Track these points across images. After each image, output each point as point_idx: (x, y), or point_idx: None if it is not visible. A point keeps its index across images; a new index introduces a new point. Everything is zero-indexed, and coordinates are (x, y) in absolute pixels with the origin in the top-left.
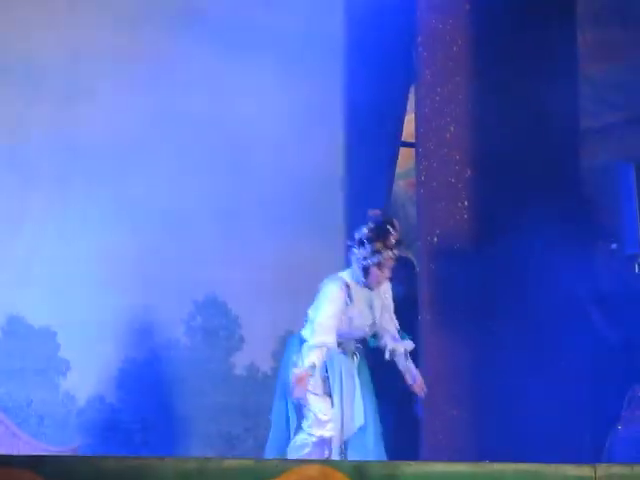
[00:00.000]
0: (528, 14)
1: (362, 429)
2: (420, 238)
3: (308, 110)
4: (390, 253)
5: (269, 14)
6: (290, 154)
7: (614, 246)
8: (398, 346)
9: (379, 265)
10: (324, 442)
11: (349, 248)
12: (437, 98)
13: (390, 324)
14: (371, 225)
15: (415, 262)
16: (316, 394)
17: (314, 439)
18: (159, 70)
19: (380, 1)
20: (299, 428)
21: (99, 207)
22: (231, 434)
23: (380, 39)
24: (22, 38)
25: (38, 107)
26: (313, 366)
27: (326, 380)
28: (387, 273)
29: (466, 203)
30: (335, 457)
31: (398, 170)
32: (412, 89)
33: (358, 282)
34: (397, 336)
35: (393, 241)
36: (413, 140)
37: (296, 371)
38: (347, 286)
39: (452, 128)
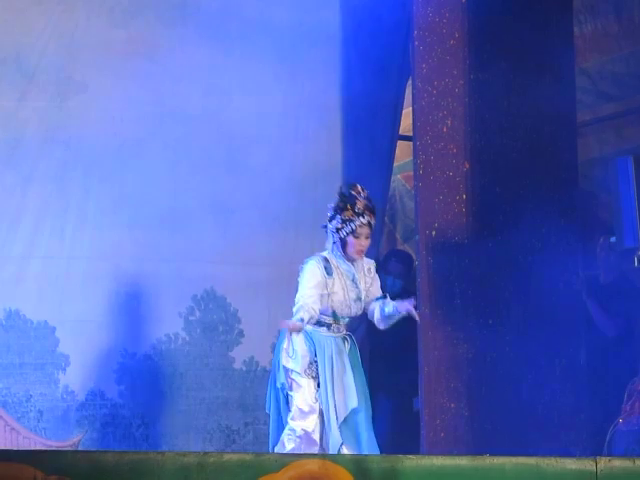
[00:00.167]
0: (524, 7)
1: (354, 413)
2: (418, 232)
3: (305, 105)
4: (362, 219)
5: (264, 8)
6: (287, 149)
7: (613, 239)
8: (385, 301)
9: (353, 233)
10: (309, 438)
11: (324, 228)
12: (434, 92)
13: (378, 294)
14: (337, 197)
15: (413, 256)
16: (301, 376)
17: (299, 433)
18: (155, 65)
19: None
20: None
21: (97, 202)
22: (231, 428)
23: (376, 33)
24: (15, 32)
25: (32, 102)
26: (301, 320)
27: (314, 363)
28: (364, 241)
29: (464, 196)
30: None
31: (395, 164)
32: (409, 83)
33: (337, 257)
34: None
35: (361, 207)
36: (410, 134)
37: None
38: (325, 260)
39: (449, 121)
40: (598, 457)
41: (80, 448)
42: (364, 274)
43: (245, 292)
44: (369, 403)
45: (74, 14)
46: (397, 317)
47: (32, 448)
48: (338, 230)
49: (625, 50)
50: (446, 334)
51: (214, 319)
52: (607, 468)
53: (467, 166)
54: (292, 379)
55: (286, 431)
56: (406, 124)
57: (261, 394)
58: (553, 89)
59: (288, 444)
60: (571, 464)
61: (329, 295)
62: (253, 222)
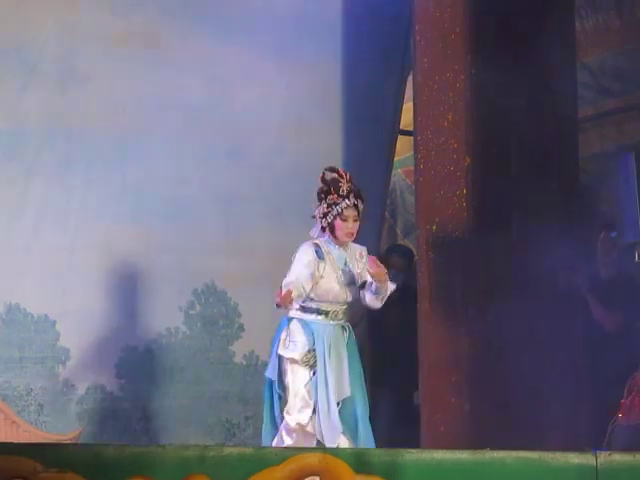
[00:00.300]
0: (525, 2)
1: (351, 404)
2: (419, 227)
3: (306, 97)
4: (347, 201)
5: (264, 2)
6: (289, 142)
7: (613, 234)
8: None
9: (340, 216)
10: (305, 432)
11: (313, 218)
12: (435, 86)
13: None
14: (320, 184)
15: (414, 250)
16: (298, 365)
17: (294, 427)
18: (157, 55)
19: None
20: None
21: (99, 194)
22: (231, 422)
23: (377, 27)
24: (17, 23)
25: (34, 93)
26: (289, 293)
27: (312, 352)
28: (352, 224)
29: (465, 191)
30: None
31: (396, 158)
32: (410, 77)
33: (328, 243)
34: None
35: (346, 189)
36: (411, 128)
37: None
38: (316, 245)
39: (450, 116)
40: (598, 451)
41: (80, 442)
42: (356, 259)
43: (246, 286)
44: (365, 395)
45: (76, 5)
46: (382, 288)
47: (32, 441)
48: (325, 215)
49: (626, 45)
50: (446, 328)
51: (214, 313)
52: (607, 462)
53: (468, 161)
54: (287, 368)
55: (282, 424)
56: (407, 119)
57: (261, 388)
58: (554, 84)
59: (286, 438)
60: (572, 458)
61: (322, 278)
62: (255, 215)
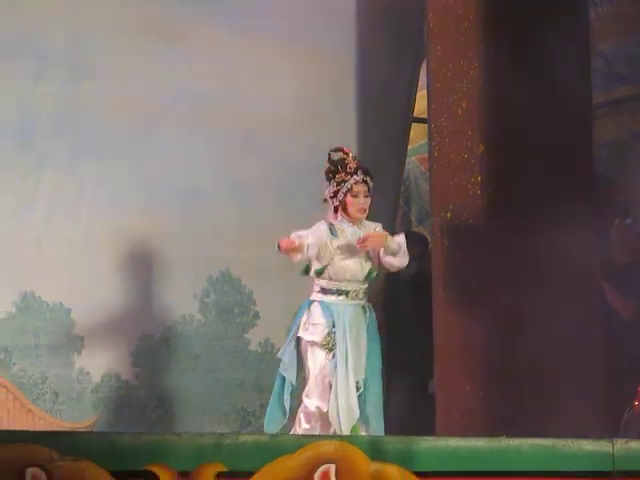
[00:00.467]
0: None
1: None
2: (433, 214)
3: (319, 87)
4: (356, 177)
5: None
6: (303, 131)
7: (628, 221)
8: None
9: (350, 192)
10: (323, 416)
11: (325, 202)
12: (448, 74)
13: None
14: (326, 165)
15: (429, 238)
16: (318, 347)
17: (313, 410)
18: (169, 46)
19: None
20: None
21: (111, 184)
22: (246, 410)
23: (391, 15)
24: (28, 15)
25: (46, 85)
26: (293, 242)
27: (332, 334)
28: (363, 199)
29: (479, 179)
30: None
31: (410, 146)
32: (423, 65)
33: (342, 221)
34: None
35: (353, 165)
36: (425, 116)
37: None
38: (330, 223)
39: (464, 104)
40: (615, 439)
41: (95, 430)
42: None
43: (260, 274)
44: (380, 381)
45: None
46: (390, 248)
47: (48, 429)
48: (336, 194)
49: None
50: (461, 316)
51: (229, 301)
52: (624, 449)
53: (482, 148)
54: (307, 351)
55: (301, 407)
56: (421, 106)
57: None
58: (568, 71)
59: (303, 422)
60: (588, 445)
61: (336, 256)
62: (268, 203)
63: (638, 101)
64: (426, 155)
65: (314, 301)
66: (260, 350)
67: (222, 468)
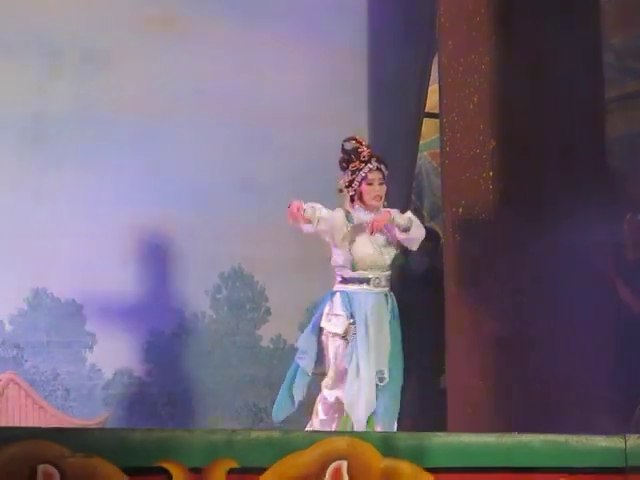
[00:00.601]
0: None
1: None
2: (445, 209)
3: (331, 83)
4: (370, 165)
5: None
6: (316, 127)
7: None
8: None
9: (366, 180)
10: (342, 407)
11: (340, 192)
12: (460, 68)
13: None
14: (340, 155)
15: (440, 233)
16: (340, 337)
17: (332, 400)
18: (185, 42)
19: None
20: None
21: (127, 180)
22: (258, 406)
23: (403, 9)
24: (45, 9)
25: (64, 80)
26: (301, 206)
27: (353, 326)
28: (378, 187)
29: (491, 174)
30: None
31: (422, 141)
32: (435, 59)
33: (359, 210)
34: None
35: (366, 154)
36: (437, 111)
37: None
38: (347, 211)
39: (475, 98)
40: (628, 434)
41: (107, 426)
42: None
43: (272, 270)
44: (401, 371)
45: None
46: (400, 225)
47: (59, 426)
48: (351, 183)
49: None
50: (473, 311)
51: (241, 297)
52: (637, 445)
53: (494, 143)
54: (329, 342)
55: (320, 398)
56: (432, 101)
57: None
58: (580, 65)
59: (321, 412)
60: (600, 441)
61: (354, 242)
62: (281, 199)
63: None
64: (438, 150)
65: (336, 292)
66: (272, 346)
67: (234, 464)
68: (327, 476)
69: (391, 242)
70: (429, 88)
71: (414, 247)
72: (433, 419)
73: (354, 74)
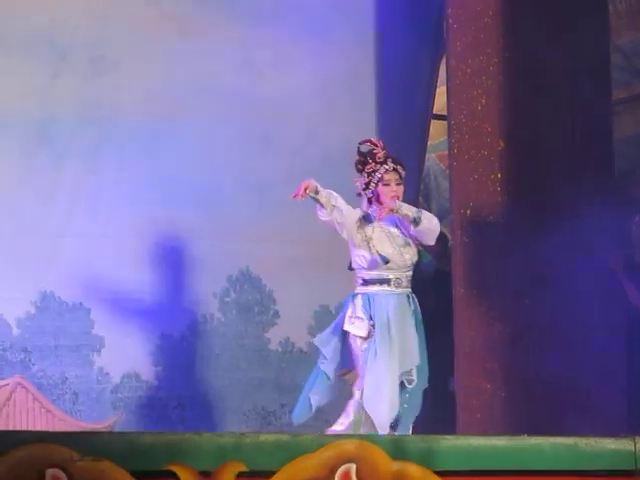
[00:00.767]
0: None
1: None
2: (453, 211)
3: (338, 83)
4: (386, 166)
5: None
6: (321, 128)
7: None
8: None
9: (382, 181)
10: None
11: (359, 196)
12: (468, 70)
13: None
14: (356, 158)
15: (448, 235)
16: (363, 340)
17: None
18: (188, 42)
19: None
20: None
21: (131, 181)
22: (267, 410)
23: (410, 11)
24: (48, 10)
25: (66, 80)
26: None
27: (373, 328)
28: (395, 187)
29: (499, 175)
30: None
31: (430, 143)
32: (443, 61)
33: (376, 211)
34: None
35: (382, 155)
36: (444, 112)
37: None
38: (365, 212)
39: (483, 100)
40: (637, 437)
41: (115, 430)
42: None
43: (281, 272)
44: (425, 376)
45: None
46: (409, 217)
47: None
48: (368, 185)
49: None
50: (481, 314)
51: (249, 300)
52: None
53: (502, 145)
54: (356, 345)
55: (352, 400)
56: (440, 103)
57: (297, 375)
58: (587, 67)
59: (350, 413)
60: (610, 444)
61: (371, 240)
62: (288, 201)
63: None
64: (446, 152)
65: (357, 294)
66: (280, 349)
67: (243, 467)
68: (336, 479)
69: (410, 242)
70: (437, 90)
71: (430, 241)
72: (442, 421)
73: (361, 76)
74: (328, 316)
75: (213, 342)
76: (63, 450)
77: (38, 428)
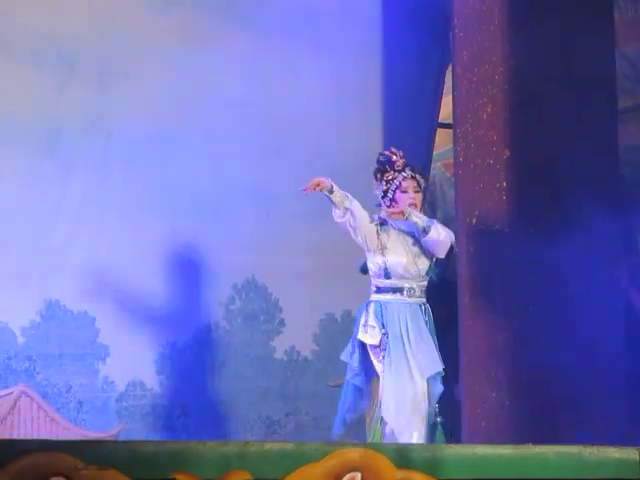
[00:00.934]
0: None
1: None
2: (458, 220)
3: (344, 94)
4: (404, 173)
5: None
6: (328, 137)
7: None
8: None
9: (400, 188)
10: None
11: (379, 206)
12: (474, 79)
13: None
14: (375, 167)
15: (454, 244)
16: (376, 348)
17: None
18: (196, 53)
19: None
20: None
21: (136, 193)
22: (271, 419)
23: (417, 20)
24: (56, 21)
25: (73, 91)
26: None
27: (384, 336)
28: (414, 195)
29: (504, 184)
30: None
31: (435, 151)
32: (449, 70)
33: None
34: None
35: (400, 164)
36: (450, 121)
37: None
38: (382, 218)
39: (489, 109)
40: None
41: (120, 439)
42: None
43: (286, 281)
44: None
45: (113, 3)
46: (418, 224)
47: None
48: (386, 193)
49: None
50: (486, 322)
51: (255, 308)
52: None
53: (508, 153)
54: (371, 352)
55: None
56: (446, 111)
57: (302, 384)
58: (593, 75)
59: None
60: (614, 453)
61: (386, 249)
62: (294, 211)
63: None
64: (451, 160)
65: (371, 302)
66: (285, 358)
67: (247, 476)
68: None
69: (425, 252)
70: (443, 98)
71: (439, 253)
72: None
73: (368, 84)
74: (334, 324)
75: (218, 351)
76: (67, 459)
77: (42, 437)
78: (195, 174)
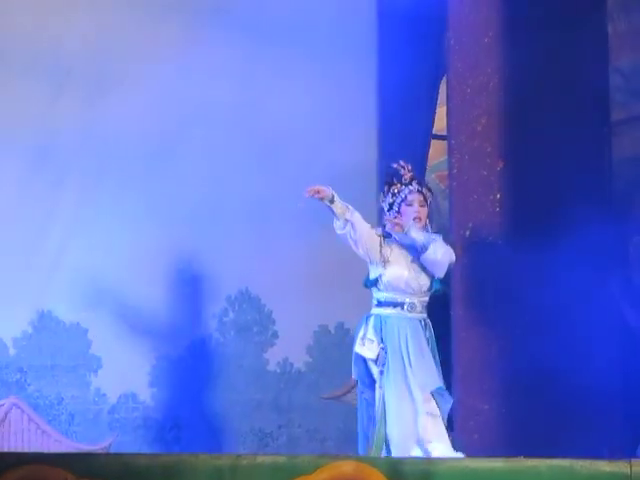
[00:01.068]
0: (558, 6)
1: None
2: (453, 231)
3: (340, 104)
4: (410, 187)
5: (298, 7)
6: (322, 148)
7: None
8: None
9: (405, 201)
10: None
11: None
12: (468, 90)
13: None
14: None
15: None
16: (374, 363)
17: None
18: (191, 63)
19: None
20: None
21: (130, 203)
22: (264, 431)
23: (411, 31)
24: (52, 29)
25: (69, 99)
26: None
27: (382, 350)
28: (418, 208)
29: (498, 196)
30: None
31: (430, 163)
32: (444, 81)
33: (398, 233)
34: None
35: (407, 177)
36: (445, 133)
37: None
38: (387, 232)
39: (483, 120)
40: (633, 459)
41: (111, 451)
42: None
43: (280, 293)
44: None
45: (110, 11)
46: (417, 241)
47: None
48: (391, 206)
49: None
50: (480, 334)
51: (248, 320)
52: None
53: (501, 165)
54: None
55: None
56: (440, 123)
57: (295, 396)
58: (586, 88)
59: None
60: (605, 466)
61: (389, 263)
62: (288, 222)
63: None
64: (445, 172)
65: (371, 315)
66: (279, 370)
67: None
68: None
69: (427, 270)
70: (437, 110)
71: (436, 272)
72: None
73: (362, 95)
74: (327, 336)
75: (211, 363)
76: (59, 471)
77: (34, 449)
78: (189, 186)
